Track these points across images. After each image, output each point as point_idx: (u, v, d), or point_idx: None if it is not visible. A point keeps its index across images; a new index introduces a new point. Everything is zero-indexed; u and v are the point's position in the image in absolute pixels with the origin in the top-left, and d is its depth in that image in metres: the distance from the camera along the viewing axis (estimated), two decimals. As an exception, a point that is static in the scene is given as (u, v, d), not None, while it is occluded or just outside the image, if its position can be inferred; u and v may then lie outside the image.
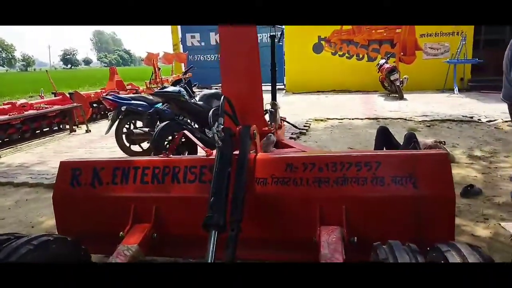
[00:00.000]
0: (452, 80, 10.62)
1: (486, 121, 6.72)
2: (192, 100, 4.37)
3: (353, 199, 1.71)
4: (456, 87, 10.49)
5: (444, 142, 4.79)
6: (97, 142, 6.35)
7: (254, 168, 1.83)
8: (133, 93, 9.31)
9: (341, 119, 7.43)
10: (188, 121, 4.42)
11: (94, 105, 8.40)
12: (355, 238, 1.63)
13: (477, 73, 11.03)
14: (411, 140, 4.11)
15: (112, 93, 6.37)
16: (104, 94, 7.46)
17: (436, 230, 1.65)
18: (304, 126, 6.55)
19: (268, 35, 3.68)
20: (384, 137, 4.52)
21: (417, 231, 1.65)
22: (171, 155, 2.05)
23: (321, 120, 7.34)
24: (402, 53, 11.45)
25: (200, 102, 4.40)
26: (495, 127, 6.27)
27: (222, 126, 1.71)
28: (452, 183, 1.65)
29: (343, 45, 11.88)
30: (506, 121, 6.57)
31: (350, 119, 7.40)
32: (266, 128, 2.15)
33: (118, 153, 5.24)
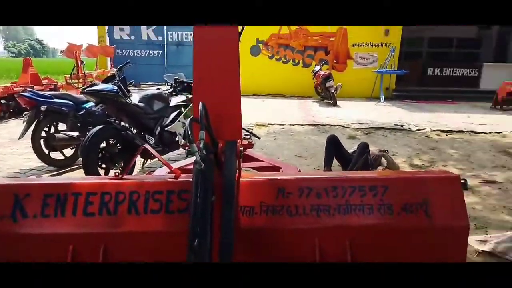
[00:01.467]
0: (379, 89, 11.24)
1: (416, 130, 7.11)
2: (130, 101, 3.81)
3: (358, 231, 1.45)
4: (383, 96, 11.12)
5: (387, 151, 4.87)
6: (5, 147, 5.35)
7: (238, 194, 1.47)
8: (50, 89, 8.22)
9: (282, 124, 7.31)
10: (126, 125, 3.84)
11: (3, 101, 7.16)
12: None
13: (400, 83, 11.85)
14: (364, 150, 4.06)
15: (29, 89, 5.42)
16: (17, 88, 6.37)
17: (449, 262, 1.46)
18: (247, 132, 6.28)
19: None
20: (334, 146, 4.44)
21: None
22: (125, 176, 1.59)
23: (263, 126, 7.15)
24: (335, 61, 11.84)
25: (141, 104, 3.85)
26: (425, 136, 6.65)
27: (203, 142, 1.32)
28: (466, 209, 1.47)
29: (280, 49, 11.91)
30: (434, 130, 7.04)
31: (291, 124, 7.32)
32: (246, 142, 1.79)
33: (34, 161, 4.42)
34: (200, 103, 1.39)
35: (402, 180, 1.53)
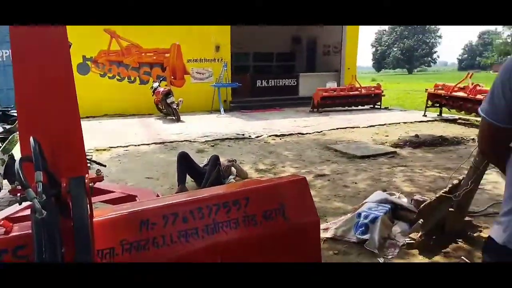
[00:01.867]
0: (218, 101, 11.82)
1: (255, 137, 7.75)
2: None
3: (228, 248, 1.46)
4: (222, 108, 11.73)
5: (235, 160, 5.15)
6: None
7: (93, 238, 1.28)
8: None
9: (126, 146, 6.88)
10: None
11: None
12: None
13: (235, 95, 12.74)
14: (216, 162, 4.18)
15: None
16: None
17: (305, 257, 1.62)
18: (89, 161, 5.65)
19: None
20: (185, 162, 4.42)
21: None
22: None
23: (104, 150, 6.57)
24: (172, 77, 11.85)
25: None
26: (264, 142, 7.31)
27: (41, 185, 1.09)
28: (315, 206, 1.66)
29: (112, 66, 11.18)
30: (270, 136, 7.81)
31: (136, 145, 6.96)
32: (95, 175, 1.57)
33: None
34: (31, 138, 1.15)
35: (260, 189, 1.62)
